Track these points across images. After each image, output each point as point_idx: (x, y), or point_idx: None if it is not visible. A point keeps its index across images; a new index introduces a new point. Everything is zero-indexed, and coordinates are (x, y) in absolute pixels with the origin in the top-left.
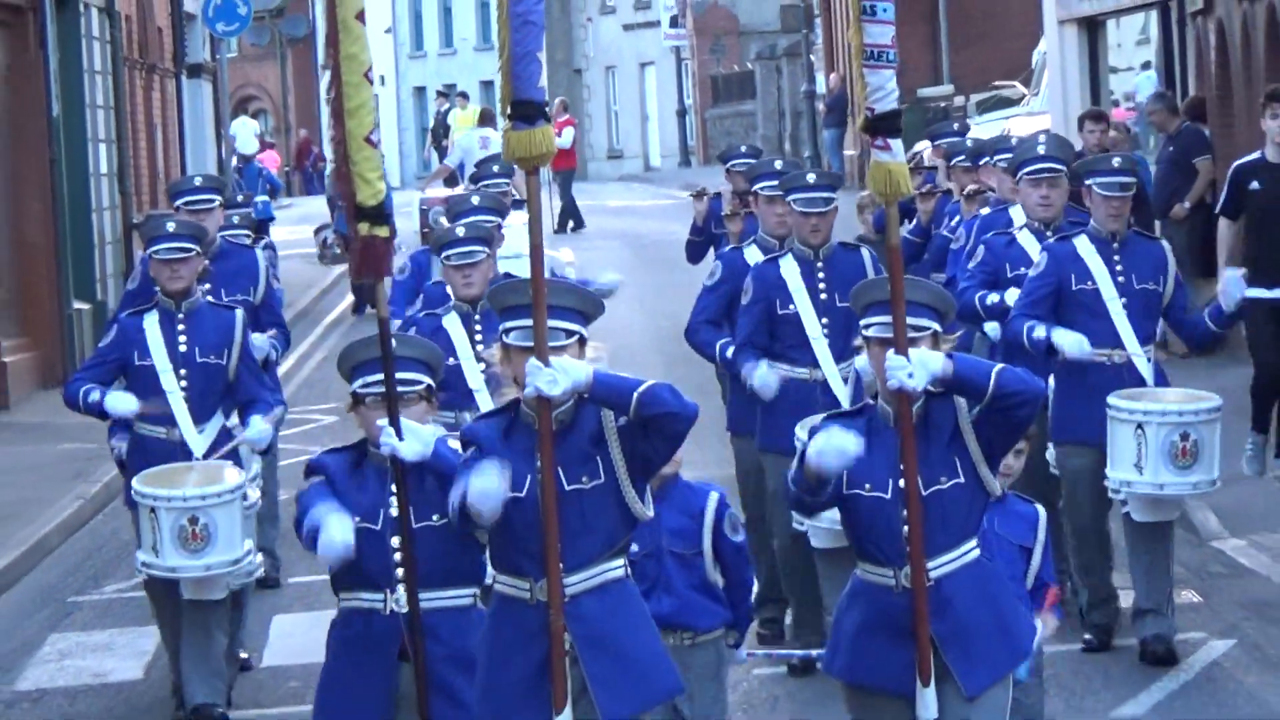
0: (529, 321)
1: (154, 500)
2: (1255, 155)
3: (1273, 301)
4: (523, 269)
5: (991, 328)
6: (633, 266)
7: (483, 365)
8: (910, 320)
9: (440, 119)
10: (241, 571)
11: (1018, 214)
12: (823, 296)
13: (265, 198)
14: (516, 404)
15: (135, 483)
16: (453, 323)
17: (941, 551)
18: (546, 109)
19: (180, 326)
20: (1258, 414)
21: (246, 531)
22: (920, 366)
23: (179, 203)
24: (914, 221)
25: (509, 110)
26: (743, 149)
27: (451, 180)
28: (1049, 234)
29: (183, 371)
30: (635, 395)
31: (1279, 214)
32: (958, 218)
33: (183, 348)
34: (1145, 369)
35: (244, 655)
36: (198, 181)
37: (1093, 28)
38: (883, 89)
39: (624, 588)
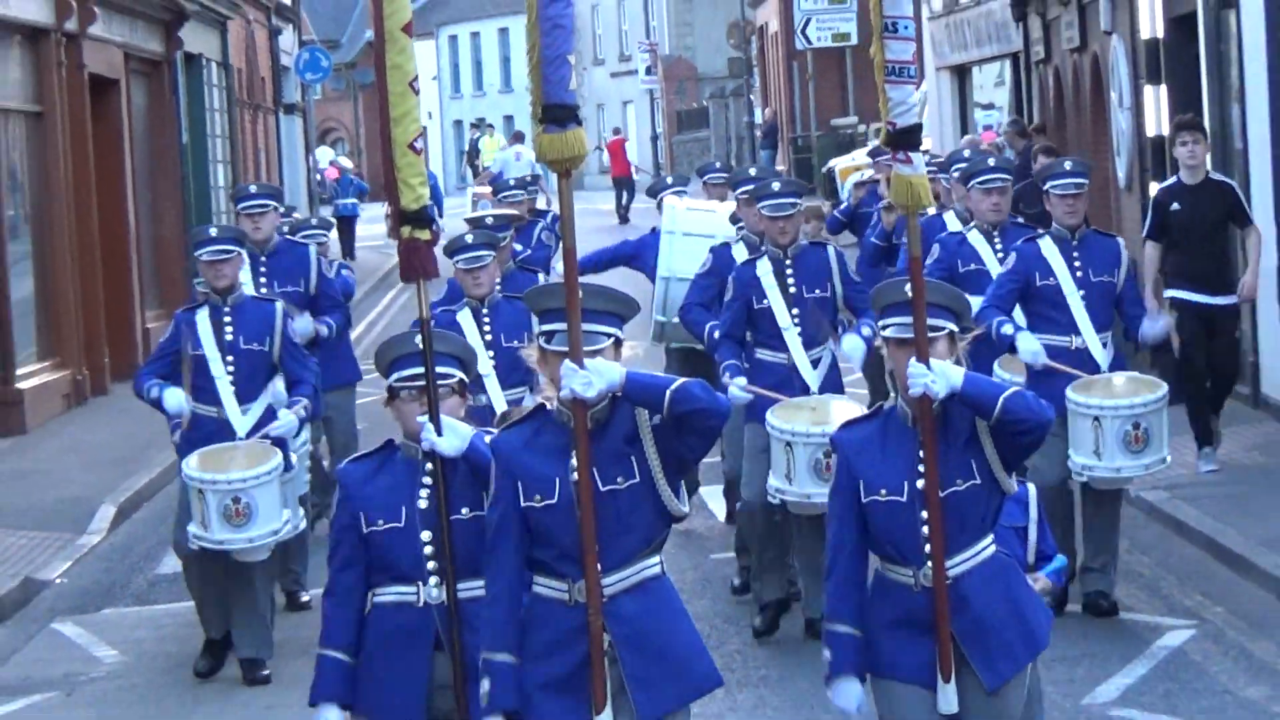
0: (565, 325)
1: (201, 483)
2: (1172, 180)
3: (1196, 305)
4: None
5: None
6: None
7: (491, 354)
8: (928, 320)
9: (473, 144)
10: (281, 538)
11: (950, 219)
12: (791, 290)
13: (354, 199)
14: (542, 407)
15: (185, 466)
16: (465, 317)
17: (959, 550)
18: (579, 111)
19: (227, 319)
20: (1199, 430)
21: (285, 501)
22: (942, 376)
23: (239, 207)
24: (876, 228)
25: (540, 114)
26: (716, 165)
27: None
28: (995, 234)
29: (229, 359)
30: (667, 393)
31: (1198, 229)
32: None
33: (229, 337)
34: (1100, 354)
35: (305, 598)
36: (253, 189)
37: (961, 73)
38: (904, 104)
39: (661, 584)
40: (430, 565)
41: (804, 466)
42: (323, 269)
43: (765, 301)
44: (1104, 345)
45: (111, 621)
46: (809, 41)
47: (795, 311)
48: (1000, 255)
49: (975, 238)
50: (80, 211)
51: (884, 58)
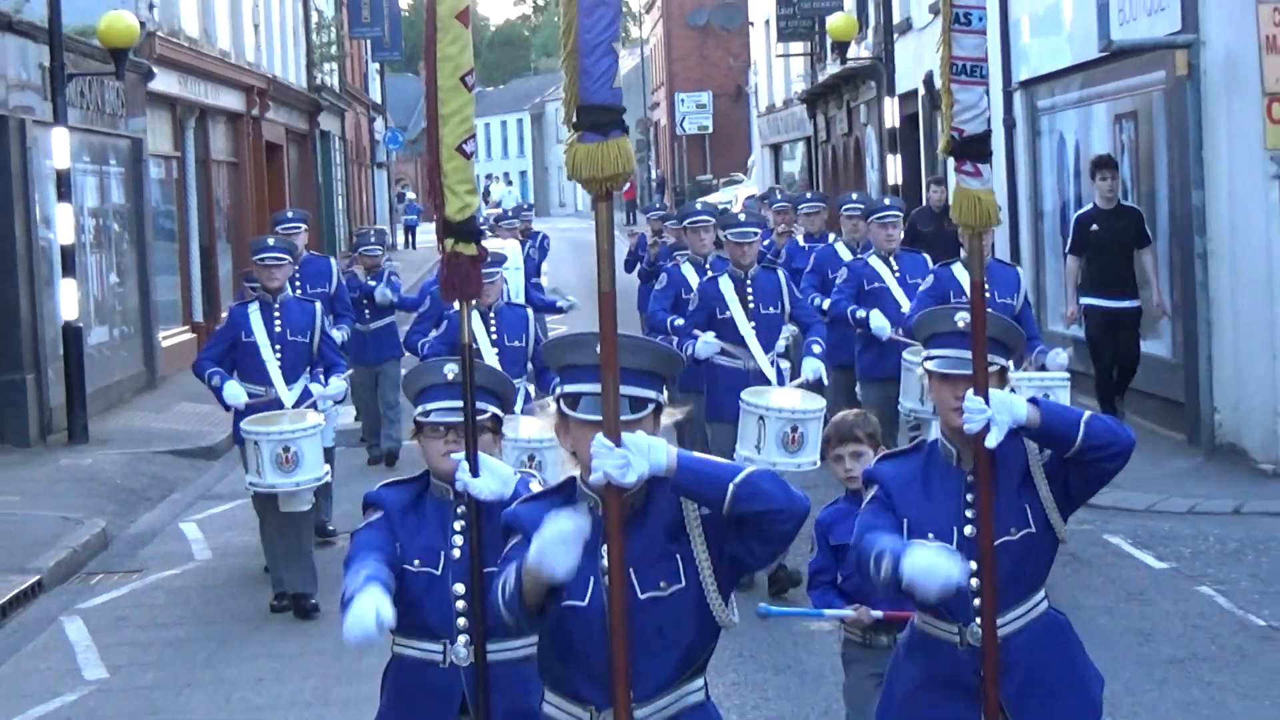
0: (595, 388)
1: (257, 435)
2: (1089, 207)
3: (1105, 309)
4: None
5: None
6: (570, 260)
7: (496, 351)
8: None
9: (485, 188)
10: (321, 484)
11: (840, 247)
12: (750, 305)
13: (414, 216)
14: (571, 482)
15: (243, 424)
16: (475, 321)
17: (1010, 606)
18: (624, 115)
19: (275, 314)
20: (1107, 413)
21: (326, 457)
22: (1004, 409)
23: (277, 227)
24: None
25: (574, 118)
26: (657, 205)
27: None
28: (890, 258)
29: (277, 347)
30: (730, 487)
31: (1111, 245)
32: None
33: (278, 328)
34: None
35: (331, 527)
36: (290, 214)
37: (776, 149)
38: (975, 107)
39: (704, 713)
40: (460, 623)
41: (774, 438)
42: (340, 279)
43: (727, 312)
44: None
45: None
46: (684, 130)
47: (753, 323)
48: (897, 274)
49: (875, 261)
50: (259, 223)
51: (951, 54)
